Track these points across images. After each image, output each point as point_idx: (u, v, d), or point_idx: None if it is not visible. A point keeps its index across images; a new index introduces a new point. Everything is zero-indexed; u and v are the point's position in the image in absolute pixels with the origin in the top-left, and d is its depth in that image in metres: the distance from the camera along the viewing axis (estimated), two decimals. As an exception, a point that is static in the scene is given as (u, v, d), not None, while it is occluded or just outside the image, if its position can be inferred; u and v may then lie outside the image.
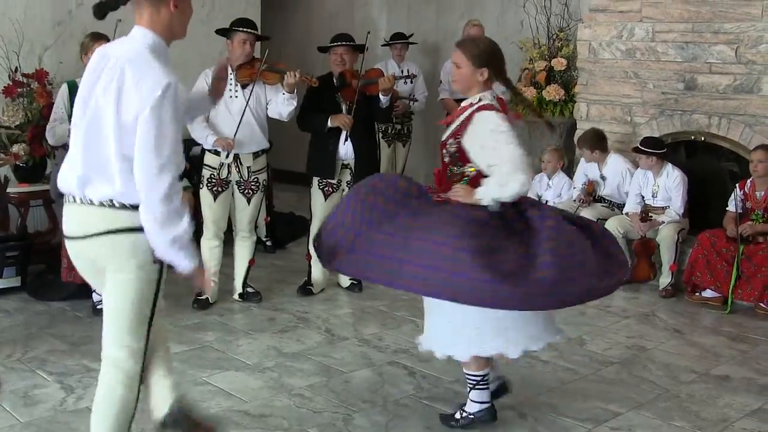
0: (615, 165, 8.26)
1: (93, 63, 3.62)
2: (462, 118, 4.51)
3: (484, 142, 4.36)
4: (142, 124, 3.35)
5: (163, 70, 3.41)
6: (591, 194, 8.26)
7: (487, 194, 4.31)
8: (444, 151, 4.55)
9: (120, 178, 3.44)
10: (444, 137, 4.58)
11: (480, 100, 4.50)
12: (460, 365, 4.74)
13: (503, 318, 4.40)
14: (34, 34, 8.03)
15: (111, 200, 3.48)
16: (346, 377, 5.51)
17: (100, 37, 6.50)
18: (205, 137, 6.69)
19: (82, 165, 3.52)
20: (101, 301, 6.48)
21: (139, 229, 3.47)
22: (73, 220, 3.61)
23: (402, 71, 9.27)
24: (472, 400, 4.75)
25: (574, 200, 8.25)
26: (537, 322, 4.57)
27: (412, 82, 8.66)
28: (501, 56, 4.63)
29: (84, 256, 3.66)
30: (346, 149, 7.11)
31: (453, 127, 4.56)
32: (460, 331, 4.49)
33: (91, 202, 3.51)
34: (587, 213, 7.72)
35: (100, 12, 3.54)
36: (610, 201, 8.28)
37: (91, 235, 3.53)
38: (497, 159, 4.31)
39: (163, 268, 3.60)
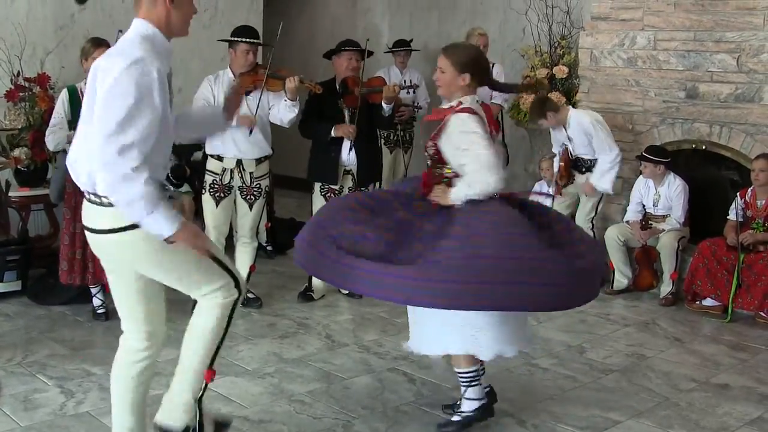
0: (577, 121, 8.01)
1: (95, 66, 3.66)
2: (441, 120, 4.61)
3: (458, 144, 4.47)
4: (104, 97, 3.40)
5: (140, 50, 3.46)
6: (567, 172, 8.16)
7: (458, 195, 4.41)
8: (425, 153, 4.67)
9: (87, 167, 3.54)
10: (426, 140, 4.71)
11: (460, 103, 4.58)
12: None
13: (476, 318, 4.49)
14: (36, 38, 8.05)
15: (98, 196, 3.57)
16: (346, 383, 5.51)
17: (100, 43, 6.50)
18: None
19: (87, 160, 3.58)
20: (102, 305, 6.58)
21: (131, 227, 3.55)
22: (86, 214, 3.72)
23: (405, 81, 9.28)
24: (467, 398, 4.79)
25: (555, 181, 8.22)
26: (509, 327, 4.63)
27: (414, 91, 8.67)
28: (484, 63, 4.75)
29: (99, 250, 3.76)
30: (347, 155, 7.12)
31: (432, 130, 4.68)
32: (449, 329, 4.57)
33: (99, 200, 3.59)
34: (560, 205, 7.91)
35: None
36: (587, 163, 8.18)
37: (105, 231, 3.64)
38: (467, 159, 4.41)
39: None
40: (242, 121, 6.55)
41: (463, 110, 4.52)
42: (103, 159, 3.35)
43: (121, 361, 3.97)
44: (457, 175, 4.50)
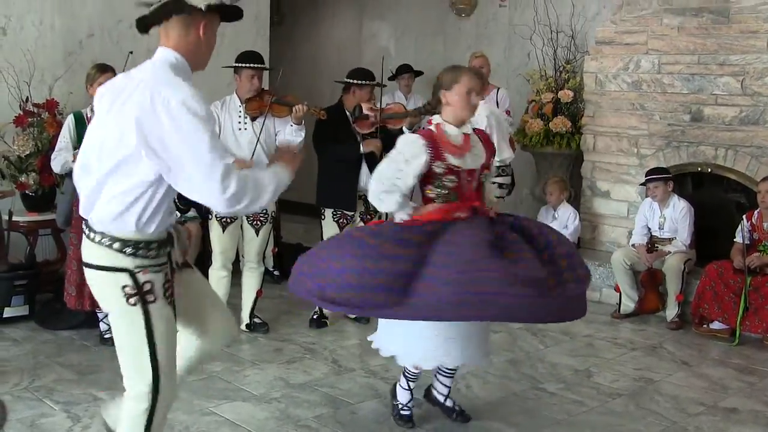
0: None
1: (103, 93, 3.57)
2: None
3: None
4: (172, 137, 3.25)
5: (185, 85, 3.32)
6: None
7: None
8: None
9: (98, 205, 3.45)
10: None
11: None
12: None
13: (446, 329, 4.70)
14: (45, 64, 8.09)
15: (91, 230, 3.48)
16: (353, 408, 5.50)
17: (106, 69, 6.54)
18: None
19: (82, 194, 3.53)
20: (108, 330, 6.55)
21: (109, 269, 3.42)
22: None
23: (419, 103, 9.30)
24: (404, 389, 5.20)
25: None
26: (474, 341, 4.85)
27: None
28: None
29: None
30: (365, 180, 7.09)
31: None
32: (422, 342, 4.78)
33: (87, 232, 3.52)
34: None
35: (142, 25, 3.47)
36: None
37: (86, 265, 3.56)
38: None
39: (148, 309, 3.45)
40: (238, 164, 6.53)
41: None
42: (211, 193, 3.29)
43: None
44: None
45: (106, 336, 6.57)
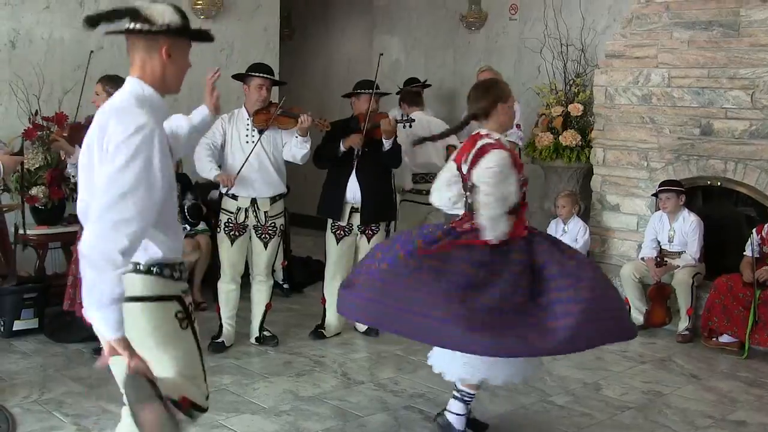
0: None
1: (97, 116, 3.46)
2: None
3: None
4: (105, 162, 3.15)
5: (142, 114, 3.22)
6: None
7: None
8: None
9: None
10: None
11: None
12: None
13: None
14: (54, 77, 8.15)
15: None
16: (362, 421, 5.50)
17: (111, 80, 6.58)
18: (208, 170, 6.68)
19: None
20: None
21: (156, 299, 3.34)
22: None
23: (403, 115, 9.31)
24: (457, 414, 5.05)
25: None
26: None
27: (411, 126, 8.59)
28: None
29: None
30: (353, 192, 7.12)
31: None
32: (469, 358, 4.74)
33: None
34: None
35: (91, 22, 3.31)
36: None
37: None
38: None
39: (194, 327, 3.46)
40: (220, 178, 6.63)
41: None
42: (96, 230, 3.06)
43: None
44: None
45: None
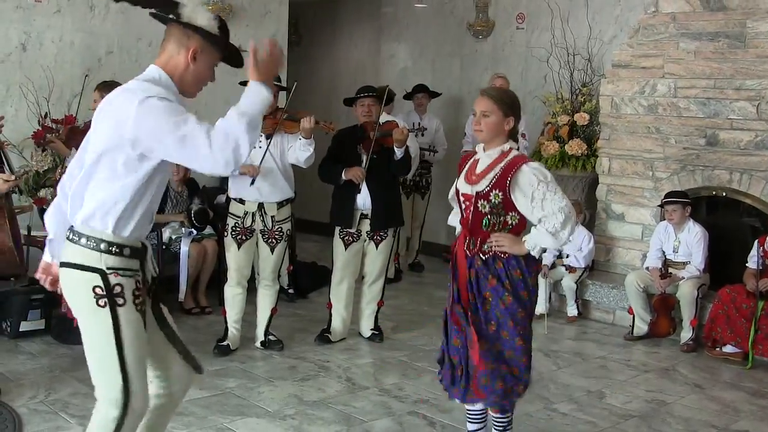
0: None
1: (99, 106, 3.62)
2: (500, 167, 4.54)
3: (533, 194, 4.46)
4: (138, 122, 3.30)
5: (153, 88, 3.39)
6: None
7: (538, 243, 4.47)
8: (483, 201, 4.56)
9: (81, 207, 3.49)
10: (482, 188, 4.57)
11: (510, 149, 4.58)
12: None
13: None
14: (64, 80, 8.20)
15: (72, 231, 3.52)
16: (366, 426, 5.52)
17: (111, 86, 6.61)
18: None
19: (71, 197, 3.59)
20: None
21: (82, 268, 3.45)
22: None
23: (414, 123, 9.31)
24: None
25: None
26: None
27: (423, 134, 8.65)
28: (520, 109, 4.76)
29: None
30: (363, 199, 7.17)
31: (491, 177, 4.55)
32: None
33: (68, 234, 3.56)
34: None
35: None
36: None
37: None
38: (548, 209, 4.41)
39: (117, 312, 3.48)
40: (244, 169, 6.62)
41: (527, 158, 4.61)
42: (205, 160, 3.32)
43: None
44: (522, 223, 4.57)
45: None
